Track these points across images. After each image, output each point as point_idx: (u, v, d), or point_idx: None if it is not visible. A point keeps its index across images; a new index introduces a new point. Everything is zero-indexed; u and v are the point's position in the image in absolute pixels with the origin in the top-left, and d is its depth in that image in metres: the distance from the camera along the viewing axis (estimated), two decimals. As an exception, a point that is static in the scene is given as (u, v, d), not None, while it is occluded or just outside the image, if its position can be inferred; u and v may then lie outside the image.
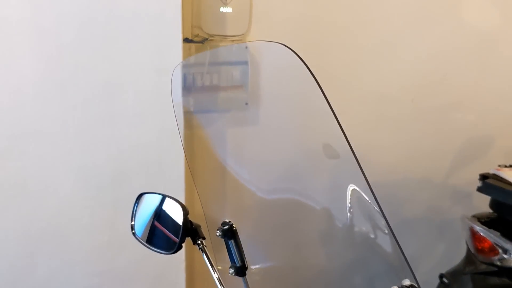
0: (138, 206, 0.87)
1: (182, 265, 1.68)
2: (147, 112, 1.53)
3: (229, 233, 0.75)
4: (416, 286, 0.68)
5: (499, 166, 1.79)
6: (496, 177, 1.68)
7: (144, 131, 1.54)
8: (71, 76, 1.43)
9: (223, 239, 0.75)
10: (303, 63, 0.82)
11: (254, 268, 0.82)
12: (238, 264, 0.75)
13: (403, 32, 2.12)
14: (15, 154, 1.45)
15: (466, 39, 2.18)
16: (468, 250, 1.76)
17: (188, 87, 1.72)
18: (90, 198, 1.54)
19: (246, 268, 0.76)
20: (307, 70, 0.84)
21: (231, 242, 0.75)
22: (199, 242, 0.78)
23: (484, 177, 1.70)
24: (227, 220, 0.76)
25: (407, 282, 0.69)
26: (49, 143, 1.46)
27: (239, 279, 0.79)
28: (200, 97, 1.79)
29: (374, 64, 2.11)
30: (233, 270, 0.75)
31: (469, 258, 1.78)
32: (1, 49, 1.38)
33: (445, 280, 1.76)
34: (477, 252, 1.67)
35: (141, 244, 0.86)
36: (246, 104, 1.80)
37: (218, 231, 0.75)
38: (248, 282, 0.76)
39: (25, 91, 1.41)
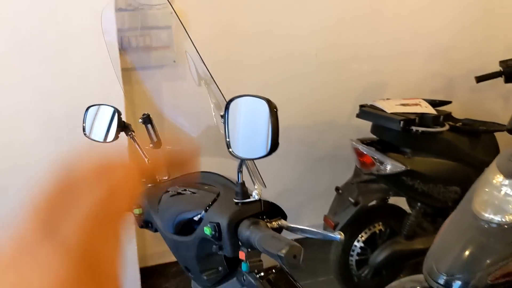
0: (87, 117, 1.26)
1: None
2: (91, 66, 1.89)
3: (147, 120, 1.15)
4: None
5: (378, 99, 2.26)
6: (372, 106, 2.16)
7: (90, 81, 1.91)
8: (29, 39, 1.78)
9: (144, 125, 1.15)
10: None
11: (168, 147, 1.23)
12: (155, 139, 1.15)
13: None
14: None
15: (356, 1, 2.64)
16: (355, 166, 2.25)
17: (125, 48, 2.08)
18: (50, 138, 1.91)
19: (161, 144, 1.16)
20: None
21: (149, 126, 1.15)
22: (130, 133, 1.18)
23: (362, 106, 2.18)
24: (145, 112, 1.16)
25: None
26: (14, 94, 1.81)
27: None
28: (136, 56, 2.17)
29: (282, 26, 2.53)
30: (152, 145, 1.16)
31: (356, 172, 2.27)
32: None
33: (339, 190, 2.24)
34: (361, 166, 2.14)
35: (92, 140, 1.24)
36: (174, 61, 2.19)
37: (140, 120, 1.15)
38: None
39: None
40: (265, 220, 0.82)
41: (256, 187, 0.85)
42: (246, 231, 0.78)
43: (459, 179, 2.18)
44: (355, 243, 2.25)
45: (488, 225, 1.56)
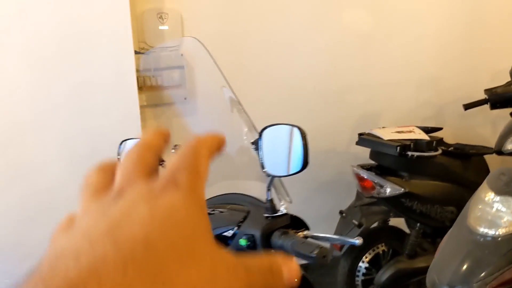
0: (121, 150, 1.40)
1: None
2: (110, 105, 2.05)
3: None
4: None
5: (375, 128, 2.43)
6: (370, 134, 2.32)
7: (110, 119, 2.06)
8: (54, 81, 1.95)
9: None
10: (210, 56, 1.35)
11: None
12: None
13: (303, 35, 2.74)
14: (14, 143, 1.94)
15: (349, 38, 2.83)
16: (357, 190, 2.40)
17: (140, 87, 2.26)
18: (74, 172, 2.04)
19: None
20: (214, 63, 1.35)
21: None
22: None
23: (360, 134, 2.35)
24: (176, 144, 1.31)
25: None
26: (40, 133, 1.96)
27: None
28: (150, 95, 2.33)
29: (282, 61, 2.72)
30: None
31: (358, 196, 2.42)
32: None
33: (343, 214, 2.38)
34: (362, 190, 2.29)
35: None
36: (185, 98, 2.36)
37: (172, 150, 1.30)
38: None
39: (20, 94, 1.92)
40: (293, 231, 0.96)
41: (282, 203, 1.00)
42: (278, 240, 0.92)
43: (454, 199, 2.33)
44: (360, 263, 2.37)
45: (483, 238, 1.71)
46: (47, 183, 2.00)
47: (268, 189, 0.96)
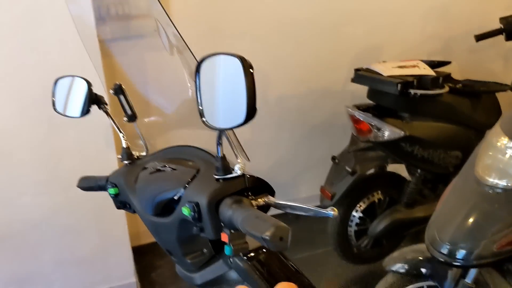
0: (56, 89, 1.15)
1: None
2: (68, 37, 1.77)
3: (119, 91, 1.04)
4: None
5: (375, 62, 2.15)
6: (368, 70, 2.04)
7: (66, 55, 1.79)
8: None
9: (116, 96, 1.05)
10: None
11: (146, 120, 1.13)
12: (129, 112, 1.05)
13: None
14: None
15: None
16: (352, 134, 2.15)
17: (102, 17, 1.95)
18: (27, 116, 1.80)
19: (136, 117, 1.06)
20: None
21: (121, 97, 1.05)
22: (102, 106, 1.07)
23: (357, 70, 2.06)
24: (116, 82, 1.05)
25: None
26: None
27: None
28: (114, 26, 2.04)
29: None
30: (126, 118, 1.05)
31: (352, 140, 2.18)
32: None
33: (336, 160, 2.15)
34: (357, 133, 2.05)
35: (62, 116, 1.14)
36: (155, 30, 2.06)
37: (110, 90, 1.05)
38: (139, 128, 1.07)
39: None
40: (250, 197, 0.73)
41: (238, 160, 0.75)
42: (228, 210, 0.68)
43: (460, 143, 2.09)
44: (354, 213, 2.17)
45: (492, 190, 1.48)
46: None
47: (218, 143, 0.71)
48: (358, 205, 2.16)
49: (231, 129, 0.67)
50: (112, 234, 2.12)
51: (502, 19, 2.24)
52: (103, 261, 2.15)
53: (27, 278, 2.04)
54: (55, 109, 1.16)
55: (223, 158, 0.73)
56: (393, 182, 2.22)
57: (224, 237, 0.70)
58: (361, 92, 2.20)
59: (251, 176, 0.74)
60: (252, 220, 0.62)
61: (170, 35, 1.15)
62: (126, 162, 1.02)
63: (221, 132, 0.70)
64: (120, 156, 1.04)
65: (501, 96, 2.19)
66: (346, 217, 2.17)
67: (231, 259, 0.80)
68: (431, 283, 1.59)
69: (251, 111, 0.58)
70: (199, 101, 0.65)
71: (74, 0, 1.42)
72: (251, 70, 0.57)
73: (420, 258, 1.58)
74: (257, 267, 0.79)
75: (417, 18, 2.71)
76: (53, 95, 1.17)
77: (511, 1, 2.79)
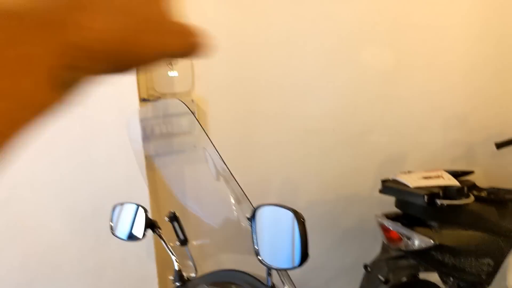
0: (114, 213, 1.28)
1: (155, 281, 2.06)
2: (116, 158, 1.95)
3: (173, 218, 1.16)
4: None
5: (400, 173, 2.26)
6: (394, 181, 2.15)
7: (115, 174, 1.96)
8: (54, 133, 1.86)
9: (170, 223, 1.17)
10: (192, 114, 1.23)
11: (195, 243, 1.23)
12: (182, 237, 1.16)
13: (320, 74, 2.62)
14: (14, 200, 1.84)
15: (369, 76, 2.69)
16: (383, 242, 2.20)
17: (147, 136, 2.15)
18: (75, 231, 1.93)
19: (187, 241, 1.17)
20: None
21: (175, 223, 1.17)
22: (156, 230, 1.19)
23: (384, 181, 2.17)
24: (171, 210, 1.18)
25: None
26: (41, 189, 1.86)
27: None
28: (158, 143, 2.23)
29: (299, 103, 2.60)
30: (178, 242, 1.16)
31: (384, 248, 2.22)
32: None
33: (368, 268, 2.19)
34: (388, 241, 2.10)
35: (120, 239, 1.26)
36: (194, 146, 2.24)
37: (166, 218, 1.17)
38: (190, 251, 1.17)
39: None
40: None
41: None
42: None
43: (490, 251, 2.11)
44: (389, 323, 2.16)
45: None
46: (47, 244, 1.89)
47: (268, 274, 0.81)
48: (392, 315, 2.15)
49: (283, 270, 0.77)
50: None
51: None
52: None
53: None
54: (112, 233, 1.28)
55: (273, 287, 0.83)
56: (426, 290, 2.22)
57: None
58: (387, 198, 2.28)
59: None
60: None
61: (218, 165, 1.29)
62: (178, 283, 1.11)
63: (276, 270, 0.80)
64: (172, 278, 1.13)
65: (527, 203, 2.24)
66: (381, 327, 2.15)
67: None
68: None
69: (304, 256, 0.68)
70: (254, 241, 0.76)
71: (130, 126, 1.59)
72: (303, 220, 0.68)
73: None
74: None
75: (437, 126, 2.85)
76: (111, 219, 1.29)
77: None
